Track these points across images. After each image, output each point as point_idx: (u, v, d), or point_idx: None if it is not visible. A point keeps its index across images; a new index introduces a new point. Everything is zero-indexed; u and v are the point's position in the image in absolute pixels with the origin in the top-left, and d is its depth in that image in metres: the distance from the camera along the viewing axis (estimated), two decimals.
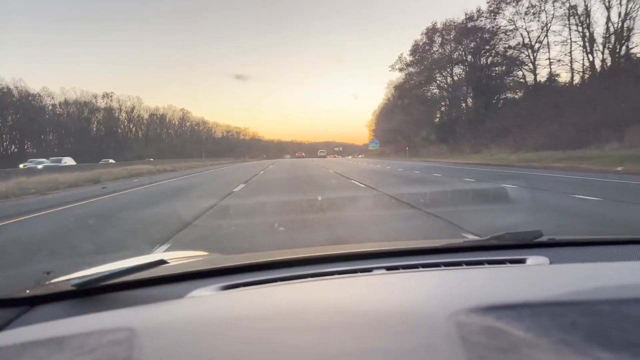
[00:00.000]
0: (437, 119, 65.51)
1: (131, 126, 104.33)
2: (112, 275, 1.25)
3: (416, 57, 66.49)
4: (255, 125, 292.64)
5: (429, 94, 67.58)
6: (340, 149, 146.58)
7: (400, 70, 70.36)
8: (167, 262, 1.42)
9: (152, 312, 0.90)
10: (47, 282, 1.47)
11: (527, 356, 0.57)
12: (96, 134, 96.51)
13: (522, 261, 1.43)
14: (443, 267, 1.38)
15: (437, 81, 65.86)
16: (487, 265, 1.39)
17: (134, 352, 0.65)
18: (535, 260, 1.43)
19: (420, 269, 1.37)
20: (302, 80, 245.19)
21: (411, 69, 68.51)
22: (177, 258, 1.82)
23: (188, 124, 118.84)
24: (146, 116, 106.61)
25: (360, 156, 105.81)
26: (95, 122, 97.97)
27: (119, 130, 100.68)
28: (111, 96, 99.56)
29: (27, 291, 1.34)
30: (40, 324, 0.93)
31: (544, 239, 1.64)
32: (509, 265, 1.39)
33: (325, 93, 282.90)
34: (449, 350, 0.60)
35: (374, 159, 60.22)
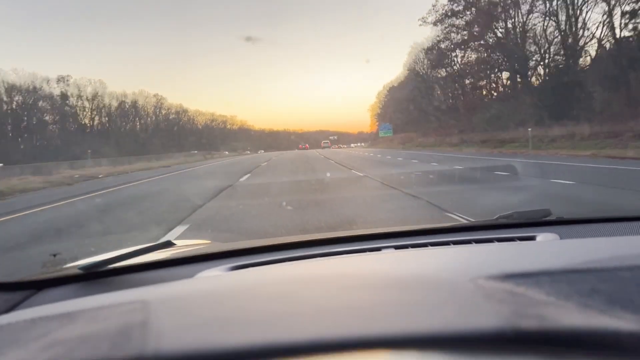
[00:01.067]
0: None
1: (93, 115, 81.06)
2: (120, 258, 1.24)
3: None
4: (244, 114, 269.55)
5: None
6: (335, 137, 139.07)
7: (436, 23, 46.48)
8: (174, 244, 1.40)
9: (162, 289, 0.89)
10: (53, 265, 1.44)
11: (555, 312, 0.57)
12: (35, 127, 71.76)
13: (531, 238, 1.43)
14: (452, 245, 1.39)
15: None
16: (496, 243, 1.39)
17: (150, 315, 0.65)
18: (545, 237, 1.43)
19: (430, 247, 1.38)
20: (293, 65, 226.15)
21: (454, 20, 45.06)
22: (187, 244, 1.80)
23: (164, 112, 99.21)
24: (114, 104, 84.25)
25: (356, 145, 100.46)
26: (38, 111, 73.35)
27: (72, 121, 77.86)
28: (67, 80, 76.42)
29: (33, 275, 1.31)
30: (49, 304, 0.91)
31: (552, 217, 1.64)
32: (519, 242, 1.39)
33: (317, 80, 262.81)
34: (476, 303, 0.60)
35: (383, 149, 49.12)
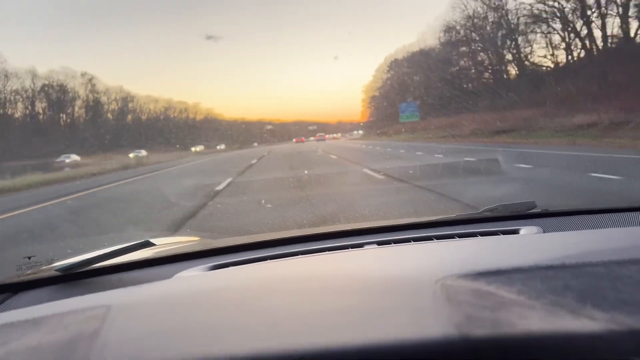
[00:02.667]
0: None
1: None
2: (97, 259, 1.22)
3: None
4: (210, 102, 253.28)
5: None
6: (315, 127, 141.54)
7: None
8: (154, 244, 1.39)
9: (133, 291, 0.88)
10: (28, 268, 1.42)
11: (517, 314, 0.56)
12: None
13: (515, 232, 1.42)
14: (435, 240, 1.37)
15: None
16: (479, 237, 1.38)
17: (104, 324, 0.64)
18: (528, 230, 1.42)
19: (412, 242, 1.36)
20: (266, 49, 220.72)
21: None
22: (166, 243, 1.79)
23: (93, 96, 69.30)
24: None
25: (350, 136, 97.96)
26: None
27: None
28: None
29: (10, 278, 1.30)
30: (20, 309, 0.90)
31: (537, 209, 1.64)
32: (501, 235, 1.38)
33: (293, 70, 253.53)
34: (432, 308, 0.60)
35: (397, 142, 37.94)
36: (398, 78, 63.58)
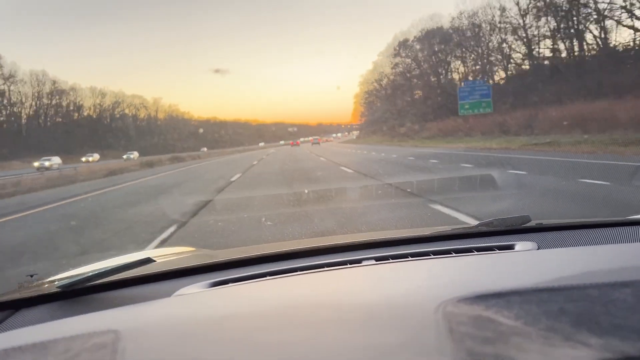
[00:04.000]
0: None
1: None
2: (98, 276, 1.23)
3: None
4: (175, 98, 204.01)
5: None
6: (295, 129, 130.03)
7: None
8: (154, 260, 1.40)
9: (138, 313, 0.89)
10: (31, 285, 1.43)
11: (515, 345, 0.57)
12: None
13: (510, 247, 1.44)
14: (432, 256, 1.39)
15: None
16: (475, 253, 1.40)
17: (117, 355, 0.65)
18: (523, 246, 1.44)
19: (410, 258, 1.38)
20: (242, 48, 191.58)
21: None
22: (164, 255, 1.80)
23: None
24: None
25: (335, 137, 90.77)
26: None
27: None
28: None
29: (11, 295, 1.30)
30: (24, 328, 0.91)
31: (531, 224, 1.65)
32: (497, 252, 1.40)
33: (275, 73, 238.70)
34: (436, 344, 0.61)
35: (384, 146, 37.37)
36: (418, 58, 53.92)
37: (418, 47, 55.37)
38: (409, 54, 57.11)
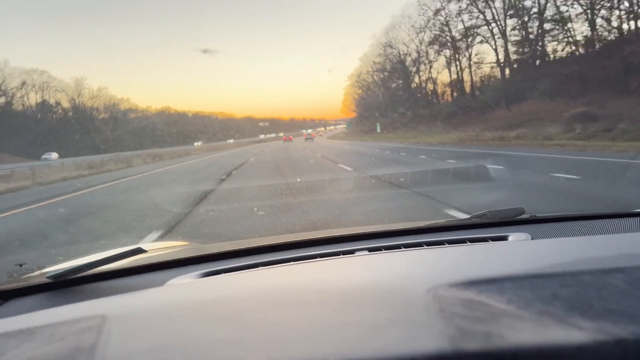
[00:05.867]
0: None
1: None
2: (89, 266, 1.22)
3: None
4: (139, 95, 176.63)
5: None
6: (267, 123, 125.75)
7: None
8: (146, 251, 1.39)
9: (127, 300, 0.88)
10: (20, 275, 1.41)
11: (507, 326, 0.57)
12: None
13: (504, 238, 1.44)
14: (425, 247, 1.39)
15: None
16: (469, 243, 1.40)
17: (102, 337, 0.64)
18: (517, 237, 1.44)
19: (403, 249, 1.37)
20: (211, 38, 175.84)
21: None
22: (157, 248, 1.78)
23: None
24: None
25: (317, 132, 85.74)
26: None
27: None
28: None
29: (1, 285, 1.29)
30: (12, 317, 0.90)
31: (525, 216, 1.66)
32: (490, 242, 1.40)
33: (245, 67, 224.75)
34: (425, 321, 0.61)
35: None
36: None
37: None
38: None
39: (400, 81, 57.16)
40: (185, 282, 1.22)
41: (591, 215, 1.68)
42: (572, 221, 1.65)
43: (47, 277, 1.21)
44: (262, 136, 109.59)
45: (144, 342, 0.63)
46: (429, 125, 41.50)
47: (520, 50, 39.88)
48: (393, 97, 57.92)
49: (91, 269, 1.23)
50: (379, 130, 53.46)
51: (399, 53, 55.54)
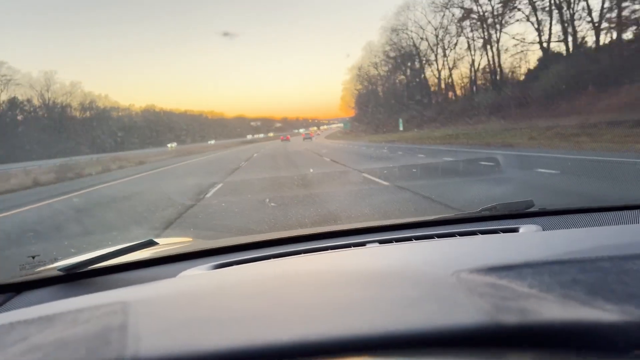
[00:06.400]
0: None
1: None
2: (101, 258, 1.23)
3: None
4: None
5: None
6: (259, 123, 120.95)
7: None
8: (157, 243, 1.40)
9: (142, 290, 0.89)
10: (32, 267, 1.44)
11: (536, 305, 0.57)
12: None
13: (514, 230, 1.43)
14: (436, 238, 1.38)
15: None
16: (480, 235, 1.39)
17: (129, 318, 0.64)
18: (528, 229, 1.43)
19: (414, 241, 1.37)
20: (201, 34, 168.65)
21: None
22: (171, 242, 1.80)
23: None
24: None
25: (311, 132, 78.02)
26: None
27: None
28: None
29: (13, 277, 1.31)
30: (28, 307, 0.91)
31: (535, 208, 1.65)
32: (502, 234, 1.39)
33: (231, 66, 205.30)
34: (457, 299, 0.61)
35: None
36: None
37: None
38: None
39: (415, 68, 49.19)
40: (198, 273, 1.22)
41: (600, 207, 1.68)
42: (582, 213, 1.65)
43: (59, 270, 1.22)
44: (249, 136, 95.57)
45: (170, 320, 0.64)
46: (471, 119, 31.88)
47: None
48: (409, 87, 50.05)
49: (103, 261, 1.24)
50: (401, 128, 42.01)
51: (412, 39, 47.27)
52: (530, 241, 1.09)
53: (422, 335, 0.53)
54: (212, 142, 79.23)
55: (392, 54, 52.11)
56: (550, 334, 0.53)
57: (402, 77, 52.83)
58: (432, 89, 46.91)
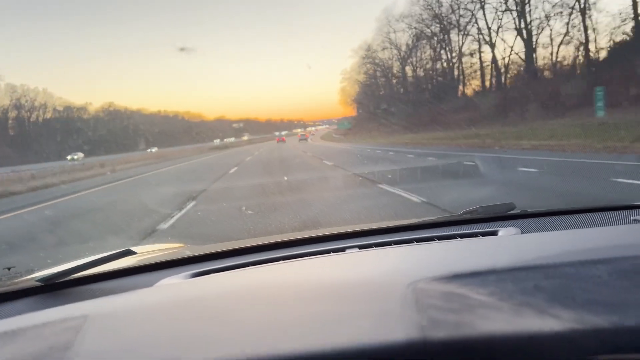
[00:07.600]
0: None
1: None
2: (78, 268, 1.22)
3: None
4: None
5: None
6: (241, 124, 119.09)
7: None
8: (135, 253, 1.39)
9: (113, 301, 0.88)
10: (8, 279, 1.41)
11: (481, 316, 0.58)
12: None
13: (494, 233, 1.44)
14: (415, 243, 1.39)
15: None
16: (458, 239, 1.40)
17: (78, 336, 0.64)
18: (507, 232, 1.44)
19: (393, 245, 1.38)
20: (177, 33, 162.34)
21: None
22: (147, 251, 1.78)
23: None
24: None
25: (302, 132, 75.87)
26: None
27: None
28: None
29: None
30: (2, 320, 0.89)
31: (516, 211, 1.66)
32: (480, 237, 1.40)
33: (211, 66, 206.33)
34: (399, 313, 0.62)
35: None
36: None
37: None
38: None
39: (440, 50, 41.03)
40: (174, 283, 1.21)
41: (581, 209, 1.69)
42: (562, 215, 1.66)
43: (37, 281, 1.21)
44: (216, 141, 75.73)
45: (120, 338, 0.64)
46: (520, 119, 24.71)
47: None
48: (427, 75, 42.12)
49: (80, 271, 1.23)
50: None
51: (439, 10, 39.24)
52: (505, 245, 1.10)
53: (344, 354, 0.54)
54: (154, 149, 58.27)
55: (426, 15, 41.97)
56: (482, 347, 0.53)
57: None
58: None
